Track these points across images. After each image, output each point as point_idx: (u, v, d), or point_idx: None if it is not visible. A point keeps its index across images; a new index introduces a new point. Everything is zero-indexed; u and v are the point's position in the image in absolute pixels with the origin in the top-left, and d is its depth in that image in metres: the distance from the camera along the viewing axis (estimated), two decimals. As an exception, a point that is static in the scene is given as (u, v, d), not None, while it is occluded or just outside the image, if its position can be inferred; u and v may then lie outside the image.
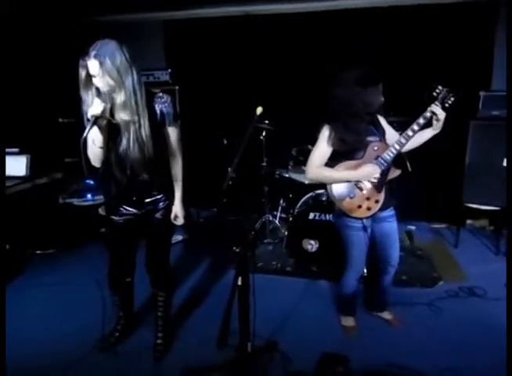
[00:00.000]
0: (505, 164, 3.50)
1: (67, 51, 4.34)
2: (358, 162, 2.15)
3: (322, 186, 3.58)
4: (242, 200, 4.42)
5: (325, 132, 2.15)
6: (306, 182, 3.72)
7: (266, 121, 3.62)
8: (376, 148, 2.16)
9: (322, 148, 2.16)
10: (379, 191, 2.19)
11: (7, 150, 3.41)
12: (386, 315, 2.64)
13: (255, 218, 4.19)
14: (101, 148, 1.88)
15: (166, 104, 1.97)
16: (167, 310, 2.40)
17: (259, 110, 2.07)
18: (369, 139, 2.16)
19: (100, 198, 3.91)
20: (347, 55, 4.13)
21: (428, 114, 2.11)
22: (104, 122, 1.81)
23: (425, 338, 2.46)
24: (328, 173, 2.18)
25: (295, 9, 4.32)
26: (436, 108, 2.09)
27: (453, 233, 4.03)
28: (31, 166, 3.39)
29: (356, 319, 2.57)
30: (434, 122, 2.15)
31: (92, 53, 1.75)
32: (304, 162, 3.71)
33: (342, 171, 2.16)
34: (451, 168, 4.06)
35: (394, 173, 2.23)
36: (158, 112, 1.96)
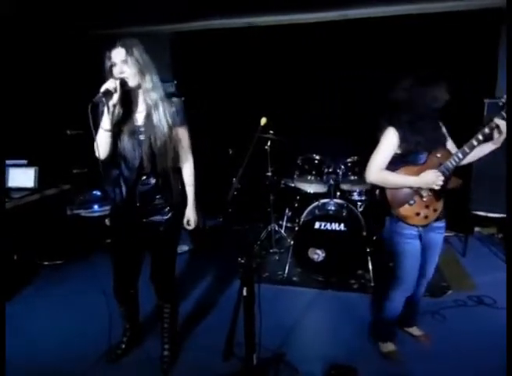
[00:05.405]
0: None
1: (75, 63, 4.46)
2: (420, 168, 2.06)
3: (327, 195, 3.63)
4: (247, 210, 4.43)
5: (390, 134, 2.06)
6: (311, 191, 3.72)
7: (271, 131, 3.65)
8: (439, 155, 2.07)
9: (387, 150, 2.08)
10: (438, 200, 2.11)
11: (16, 161, 3.47)
12: (415, 331, 2.52)
13: (261, 228, 4.19)
14: (108, 131, 1.88)
15: (178, 106, 2.05)
16: (174, 322, 2.38)
17: (263, 120, 2.09)
18: (433, 144, 2.08)
19: (107, 209, 3.94)
20: (351, 64, 4.17)
21: (487, 130, 2.02)
22: (112, 98, 1.82)
23: (434, 347, 2.42)
24: (391, 177, 2.07)
25: (299, 20, 4.37)
26: (500, 121, 2.00)
27: (461, 241, 3.99)
28: (39, 178, 3.42)
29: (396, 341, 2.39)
30: (496, 136, 2.05)
31: (119, 43, 1.87)
32: (310, 171, 3.75)
33: (405, 176, 2.06)
34: (457, 174, 4.03)
35: (455, 182, 2.15)
36: (171, 111, 2.01)
